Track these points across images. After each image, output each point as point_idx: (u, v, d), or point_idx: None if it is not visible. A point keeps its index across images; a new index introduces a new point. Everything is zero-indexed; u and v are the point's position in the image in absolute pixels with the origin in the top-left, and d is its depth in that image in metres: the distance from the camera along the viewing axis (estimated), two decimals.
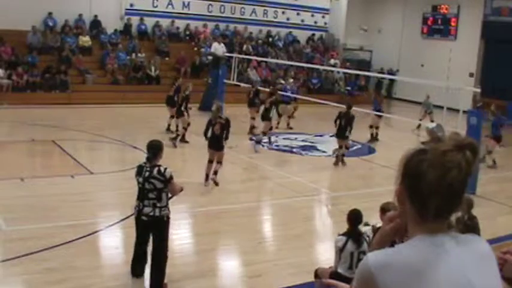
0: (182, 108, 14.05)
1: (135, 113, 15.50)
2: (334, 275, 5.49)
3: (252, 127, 15.72)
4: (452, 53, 21.73)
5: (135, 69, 21.01)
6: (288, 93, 17.61)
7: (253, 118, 15.83)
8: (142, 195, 6.11)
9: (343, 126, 12.63)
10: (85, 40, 21.21)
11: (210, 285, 6.57)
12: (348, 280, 1.80)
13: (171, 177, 6.07)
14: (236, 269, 7.26)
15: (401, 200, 1.63)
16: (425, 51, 25.86)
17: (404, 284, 1.50)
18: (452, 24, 25.49)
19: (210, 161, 10.42)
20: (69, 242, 7.18)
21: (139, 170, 6.18)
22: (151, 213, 6.07)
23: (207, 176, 10.38)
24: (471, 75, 24.12)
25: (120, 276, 6.64)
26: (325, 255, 7.18)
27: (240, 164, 12.33)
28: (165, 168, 6.11)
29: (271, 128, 14.92)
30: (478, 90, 17.05)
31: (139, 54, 21.55)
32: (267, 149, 14.07)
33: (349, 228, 5.70)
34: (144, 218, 6.11)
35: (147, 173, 6.08)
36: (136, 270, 6.46)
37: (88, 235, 7.50)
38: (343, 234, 5.68)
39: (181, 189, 6.41)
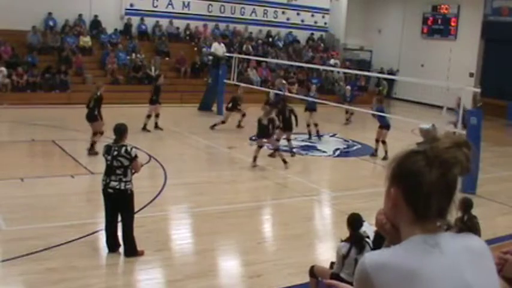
0: (95, 112, 12.14)
1: (135, 113, 15.47)
2: (335, 277, 5.41)
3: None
4: (452, 53, 21.74)
5: (135, 69, 21.01)
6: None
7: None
8: (110, 171, 6.79)
9: (288, 118, 13.07)
10: (85, 40, 21.21)
11: (210, 285, 6.56)
12: (350, 283, 1.79)
13: (135, 156, 6.83)
14: (236, 269, 7.26)
15: (396, 202, 1.61)
16: (425, 51, 25.85)
17: (400, 284, 1.50)
18: (452, 24, 25.47)
19: None
20: (69, 242, 7.18)
21: (108, 149, 6.86)
22: (118, 187, 6.75)
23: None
24: (471, 75, 24.12)
25: (120, 276, 6.64)
26: (325, 255, 7.18)
27: (240, 164, 12.33)
28: (131, 148, 6.83)
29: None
30: (478, 90, 17.04)
31: (139, 55, 21.55)
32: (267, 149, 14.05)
33: (350, 233, 5.63)
34: (110, 190, 6.79)
35: (115, 152, 6.77)
36: (110, 247, 7.00)
37: (88, 235, 7.49)
38: (345, 241, 5.60)
39: (142, 165, 7.29)
